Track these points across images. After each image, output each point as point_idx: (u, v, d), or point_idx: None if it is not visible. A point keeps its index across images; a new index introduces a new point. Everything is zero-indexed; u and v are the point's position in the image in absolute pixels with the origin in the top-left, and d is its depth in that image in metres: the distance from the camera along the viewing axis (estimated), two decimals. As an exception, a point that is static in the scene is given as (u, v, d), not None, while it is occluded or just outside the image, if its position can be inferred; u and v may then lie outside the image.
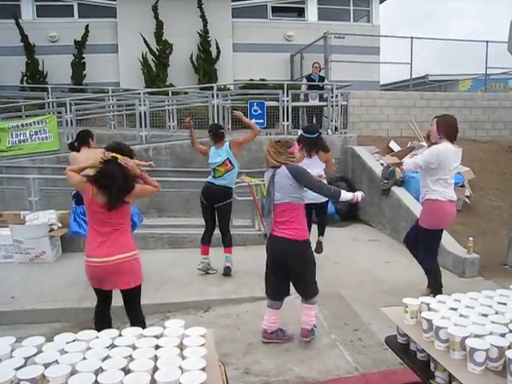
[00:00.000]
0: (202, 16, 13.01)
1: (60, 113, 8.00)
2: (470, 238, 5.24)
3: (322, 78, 10.14)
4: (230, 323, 4.23)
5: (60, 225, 6.01)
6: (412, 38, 11.31)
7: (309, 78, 10.13)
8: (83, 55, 12.69)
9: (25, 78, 12.56)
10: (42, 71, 12.64)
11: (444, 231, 5.88)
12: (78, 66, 12.62)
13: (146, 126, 8.31)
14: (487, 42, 11.59)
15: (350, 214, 8.12)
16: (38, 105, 9.68)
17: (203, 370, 1.57)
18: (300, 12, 14.57)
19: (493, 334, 1.82)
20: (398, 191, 6.92)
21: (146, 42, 12.52)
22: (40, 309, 4.45)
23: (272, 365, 3.47)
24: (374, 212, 7.66)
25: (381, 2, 14.96)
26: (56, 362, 1.66)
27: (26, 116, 8.32)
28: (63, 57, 12.44)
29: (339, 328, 4.07)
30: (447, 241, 5.67)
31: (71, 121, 7.99)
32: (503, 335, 1.82)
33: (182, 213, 7.76)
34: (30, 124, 7.77)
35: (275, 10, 14.23)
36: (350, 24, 14.29)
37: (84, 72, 12.73)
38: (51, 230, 5.86)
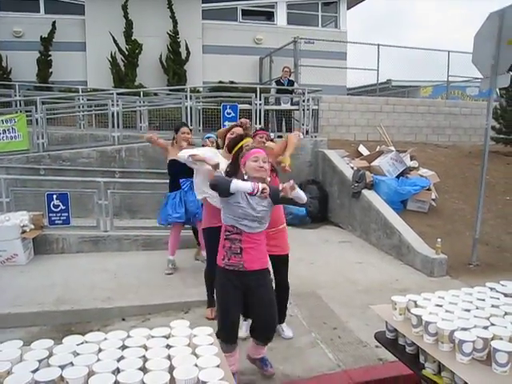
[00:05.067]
0: (172, 17, 13.00)
1: (29, 111, 7.81)
2: (439, 240, 5.51)
3: (291, 82, 10.33)
4: (211, 324, 4.28)
5: (32, 226, 5.89)
6: (379, 45, 11.70)
7: (278, 82, 10.30)
8: (50, 52, 12.38)
9: (-14, 74, 12.14)
10: (5, 67, 12.23)
11: (413, 232, 6.23)
12: (44, 64, 12.29)
13: (118, 127, 8.22)
14: (449, 51, 12.16)
15: (321, 216, 8.34)
16: (4, 103, 9.37)
17: (218, 366, 1.65)
18: (269, 16, 14.77)
19: (477, 327, 2.00)
20: (368, 194, 7.15)
21: (115, 41, 12.36)
22: (16, 313, 4.34)
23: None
24: (344, 214, 7.88)
25: (348, 9, 15.35)
26: (71, 363, 1.69)
27: (-7, 114, 8.07)
28: (28, 53, 12.10)
29: (318, 327, 4.19)
30: (416, 242, 5.95)
31: (41, 120, 7.80)
32: (486, 328, 2.01)
33: (154, 214, 7.70)
34: (-2, 123, 7.53)
35: (245, 13, 14.39)
36: (318, 29, 14.63)
37: (50, 70, 12.42)
38: (23, 231, 5.73)
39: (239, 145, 3.37)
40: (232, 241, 2.85)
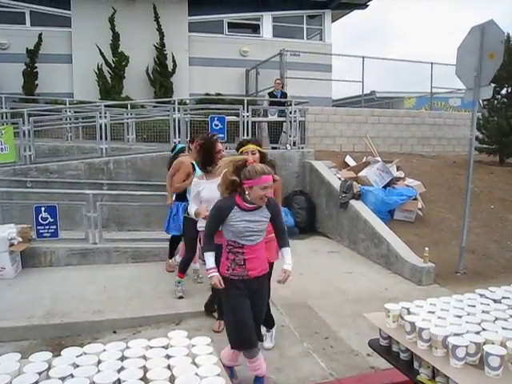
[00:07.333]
0: (159, 29, 13.10)
1: (16, 123, 7.75)
2: (426, 248, 5.60)
3: (284, 94, 10.43)
4: (203, 336, 4.27)
5: (20, 239, 5.83)
6: (363, 57, 11.90)
7: (271, 94, 10.41)
8: (36, 64, 12.33)
9: (-29, 85, 12.02)
10: (-9, 79, 12.15)
11: (400, 242, 6.32)
12: (30, 76, 12.24)
13: (106, 139, 8.20)
14: (432, 63, 12.44)
15: (309, 227, 8.39)
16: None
17: (219, 375, 1.67)
18: (255, 28, 14.98)
19: (469, 333, 2.05)
20: (355, 204, 7.23)
21: (101, 53, 12.37)
22: (5, 327, 4.29)
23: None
24: (332, 224, 7.95)
25: (333, 21, 15.62)
26: (71, 375, 1.69)
27: (-21, 127, 7.98)
28: (14, 65, 12.04)
29: (310, 336, 4.22)
30: (404, 251, 6.04)
31: (29, 132, 7.74)
32: (478, 333, 2.06)
33: (142, 226, 7.71)
34: (-16, 135, 7.45)
35: (231, 25, 14.56)
36: (303, 42, 14.85)
37: (36, 82, 12.36)
38: (11, 244, 5.66)
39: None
40: (235, 254, 2.97)
